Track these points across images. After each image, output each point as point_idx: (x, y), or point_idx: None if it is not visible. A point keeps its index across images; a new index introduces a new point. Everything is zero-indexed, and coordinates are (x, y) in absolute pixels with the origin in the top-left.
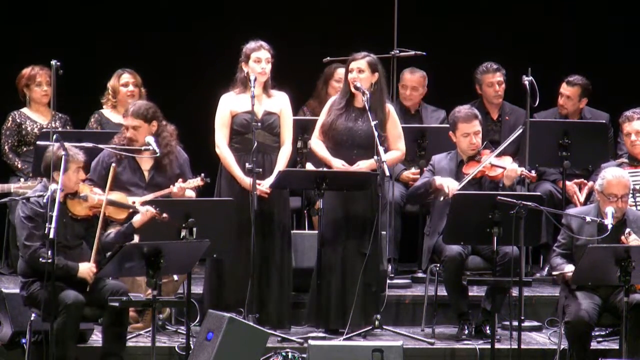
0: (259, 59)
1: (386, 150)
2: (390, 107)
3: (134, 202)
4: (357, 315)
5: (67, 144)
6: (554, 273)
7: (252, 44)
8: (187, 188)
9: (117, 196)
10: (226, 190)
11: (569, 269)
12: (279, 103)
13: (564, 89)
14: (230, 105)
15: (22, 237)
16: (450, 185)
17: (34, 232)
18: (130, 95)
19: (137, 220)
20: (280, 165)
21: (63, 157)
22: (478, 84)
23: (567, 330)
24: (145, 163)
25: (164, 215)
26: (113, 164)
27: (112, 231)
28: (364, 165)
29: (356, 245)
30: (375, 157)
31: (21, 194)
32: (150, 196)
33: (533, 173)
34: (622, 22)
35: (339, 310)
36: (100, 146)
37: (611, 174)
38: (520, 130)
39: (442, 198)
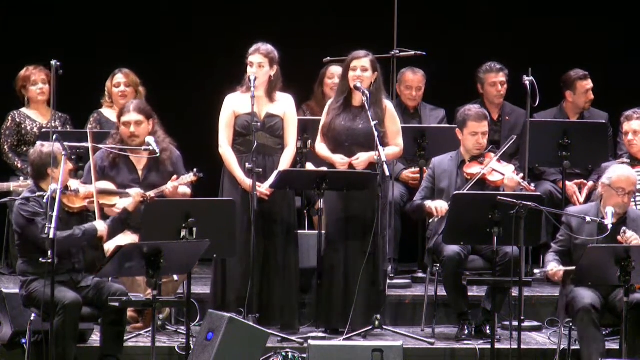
0: (251, 63)
1: (384, 147)
2: (387, 103)
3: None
4: (360, 315)
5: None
6: (536, 271)
7: (251, 47)
8: (180, 185)
9: (106, 184)
10: (229, 190)
11: (551, 267)
12: (283, 106)
13: (587, 83)
14: (233, 106)
15: (22, 222)
16: (439, 207)
17: (37, 214)
18: (122, 95)
19: (129, 204)
20: (282, 166)
21: (63, 157)
22: (480, 83)
23: (577, 324)
24: (140, 162)
25: (152, 195)
26: (92, 156)
27: (107, 220)
28: (363, 157)
29: (358, 245)
30: (376, 157)
31: (21, 193)
32: None
33: (532, 186)
34: (622, 22)
35: (342, 310)
36: (100, 146)
37: (621, 169)
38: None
39: (436, 219)
